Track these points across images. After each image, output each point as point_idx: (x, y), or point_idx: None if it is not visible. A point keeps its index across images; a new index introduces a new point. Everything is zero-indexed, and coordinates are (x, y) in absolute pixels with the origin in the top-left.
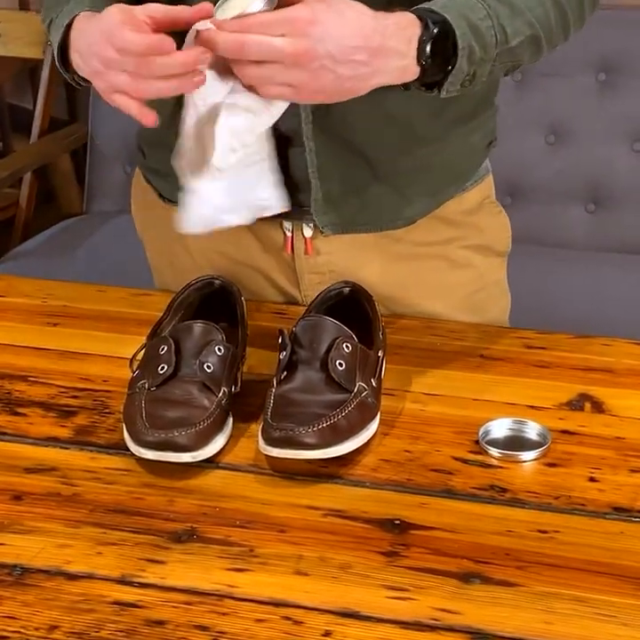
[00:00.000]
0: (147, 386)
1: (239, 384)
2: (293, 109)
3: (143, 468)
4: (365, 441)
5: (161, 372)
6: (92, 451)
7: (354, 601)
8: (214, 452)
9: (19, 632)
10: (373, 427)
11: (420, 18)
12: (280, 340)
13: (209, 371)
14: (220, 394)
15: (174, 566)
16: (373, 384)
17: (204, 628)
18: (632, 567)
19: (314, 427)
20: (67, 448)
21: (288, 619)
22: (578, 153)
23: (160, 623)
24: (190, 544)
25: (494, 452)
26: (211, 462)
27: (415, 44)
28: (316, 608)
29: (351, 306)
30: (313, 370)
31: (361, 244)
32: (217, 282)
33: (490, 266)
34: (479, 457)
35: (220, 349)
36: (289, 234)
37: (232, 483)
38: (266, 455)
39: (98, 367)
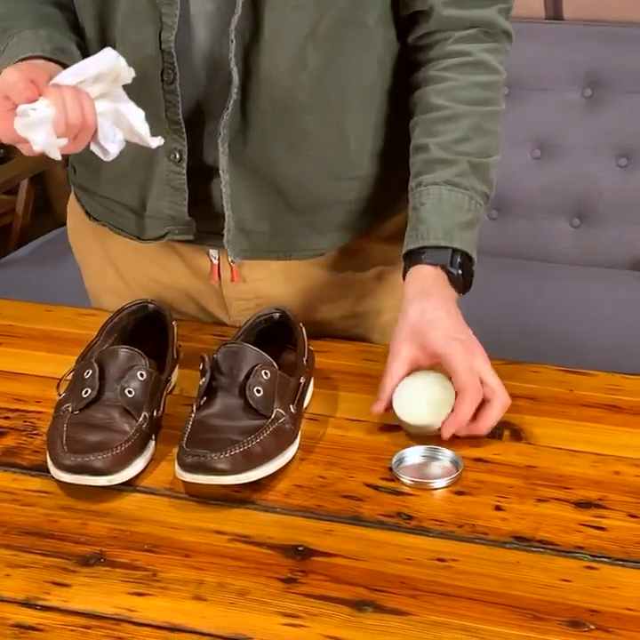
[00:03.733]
0: (70, 409)
1: (162, 408)
2: (212, 142)
3: (63, 490)
4: (280, 467)
5: (84, 396)
6: (15, 472)
7: (248, 627)
8: (131, 476)
9: None
10: (290, 453)
11: (445, 270)
12: (201, 367)
13: (130, 395)
14: (141, 418)
15: (78, 590)
16: (292, 410)
17: None
18: (523, 597)
19: (227, 453)
20: None
21: None
22: (563, 168)
23: None
24: (97, 567)
25: (406, 479)
26: (129, 485)
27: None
28: (210, 634)
29: (282, 331)
30: (232, 396)
31: (286, 272)
32: (151, 306)
33: None
34: (391, 484)
35: (142, 374)
36: (215, 261)
37: (147, 506)
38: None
39: (32, 388)
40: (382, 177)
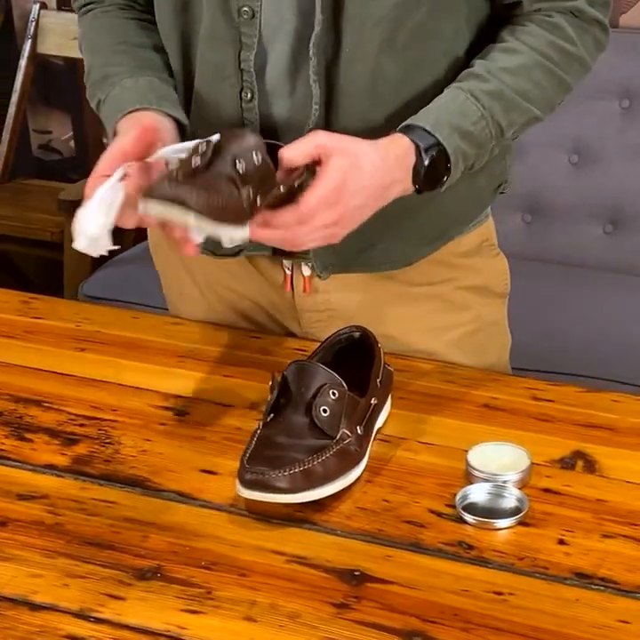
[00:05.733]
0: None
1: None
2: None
3: (128, 501)
4: (342, 488)
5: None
6: (84, 480)
7: None
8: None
9: None
10: (353, 474)
11: (414, 142)
12: (270, 383)
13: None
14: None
15: (132, 603)
16: (359, 431)
17: None
18: (577, 637)
19: (286, 471)
20: (62, 476)
21: None
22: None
23: None
24: (153, 582)
25: (469, 518)
26: (193, 499)
27: (411, 171)
28: None
29: (362, 350)
30: (298, 414)
31: (359, 284)
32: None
33: (488, 307)
34: (455, 511)
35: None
36: (288, 272)
37: (208, 522)
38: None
39: (111, 396)
40: (467, 183)
